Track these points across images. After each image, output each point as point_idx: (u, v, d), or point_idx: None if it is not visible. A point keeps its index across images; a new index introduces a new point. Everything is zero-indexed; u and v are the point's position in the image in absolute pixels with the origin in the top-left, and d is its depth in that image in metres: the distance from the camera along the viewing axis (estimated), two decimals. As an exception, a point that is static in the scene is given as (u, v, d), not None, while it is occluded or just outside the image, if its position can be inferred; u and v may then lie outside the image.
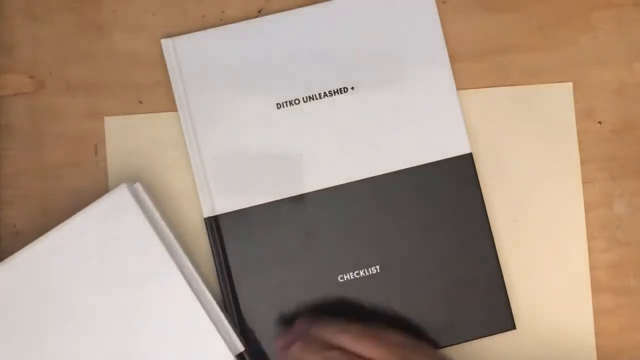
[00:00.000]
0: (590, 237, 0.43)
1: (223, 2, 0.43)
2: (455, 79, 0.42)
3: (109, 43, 0.43)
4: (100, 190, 0.42)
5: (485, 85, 0.43)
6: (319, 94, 0.41)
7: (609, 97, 0.43)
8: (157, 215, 0.39)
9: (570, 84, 0.43)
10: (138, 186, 0.39)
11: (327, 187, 0.41)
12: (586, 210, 0.43)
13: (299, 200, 0.41)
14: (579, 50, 0.43)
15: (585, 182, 0.43)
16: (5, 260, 0.38)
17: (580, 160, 0.43)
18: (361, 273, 0.41)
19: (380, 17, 0.42)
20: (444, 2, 0.43)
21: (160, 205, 0.41)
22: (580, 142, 0.43)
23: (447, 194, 0.41)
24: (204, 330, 0.38)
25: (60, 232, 0.38)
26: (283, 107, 0.41)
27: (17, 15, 0.43)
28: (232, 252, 0.40)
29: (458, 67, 0.43)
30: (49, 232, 0.38)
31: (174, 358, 0.38)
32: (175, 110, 0.42)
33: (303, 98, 0.41)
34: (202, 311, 0.38)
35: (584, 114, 0.43)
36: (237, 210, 0.41)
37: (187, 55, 0.41)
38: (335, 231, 0.41)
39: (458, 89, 0.42)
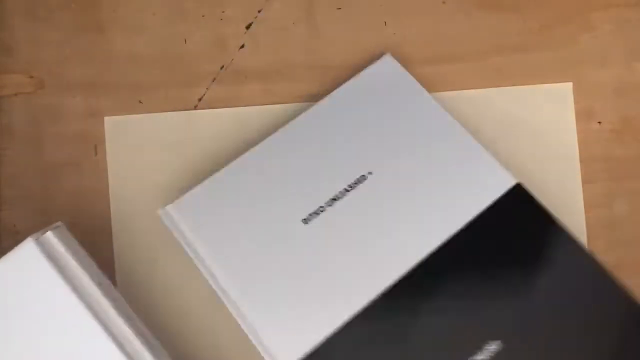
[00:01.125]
0: (590, 237, 0.43)
1: (223, 2, 0.43)
2: (455, 79, 0.42)
3: (109, 43, 0.43)
4: (100, 190, 0.42)
5: (484, 85, 0.43)
6: (340, 192, 0.38)
7: (609, 97, 0.43)
8: (75, 263, 0.35)
9: (570, 84, 0.43)
10: (49, 235, 0.35)
11: (392, 283, 0.36)
12: (586, 211, 0.43)
13: (370, 312, 0.36)
14: (579, 50, 0.43)
15: (585, 182, 0.43)
16: None
17: (580, 160, 0.43)
18: (485, 355, 0.35)
19: (367, 95, 0.40)
20: (444, 2, 0.43)
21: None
22: (580, 142, 0.43)
23: (515, 231, 0.37)
24: None
25: None
26: (310, 220, 0.38)
27: (17, 15, 0.43)
28: None
29: (458, 68, 0.43)
30: None
31: None
32: (175, 110, 0.42)
33: (326, 202, 0.38)
34: None
35: (584, 114, 0.43)
36: (309, 354, 0.35)
37: (191, 216, 0.38)
38: (429, 324, 0.36)
39: (458, 89, 0.42)
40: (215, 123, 0.42)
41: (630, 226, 0.43)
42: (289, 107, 0.42)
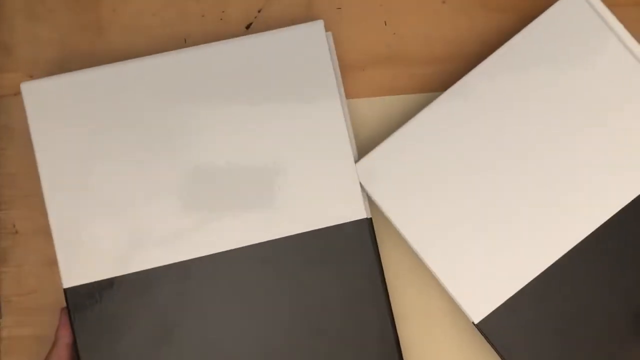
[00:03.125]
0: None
1: (223, 2, 0.43)
2: (454, 78, 0.42)
3: (109, 43, 0.43)
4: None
5: (485, 85, 0.43)
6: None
7: (609, 97, 0.43)
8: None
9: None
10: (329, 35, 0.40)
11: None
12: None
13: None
14: (579, 50, 0.43)
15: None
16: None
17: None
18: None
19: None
20: (444, 2, 0.43)
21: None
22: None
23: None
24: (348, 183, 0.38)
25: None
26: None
27: (17, 15, 0.43)
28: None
29: (457, 67, 0.43)
30: None
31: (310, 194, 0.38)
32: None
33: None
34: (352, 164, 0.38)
35: (584, 114, 0.43)
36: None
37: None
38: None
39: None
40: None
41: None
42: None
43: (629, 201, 0.37)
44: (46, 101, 0.38)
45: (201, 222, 0.38)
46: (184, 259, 0.37)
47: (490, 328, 0.37)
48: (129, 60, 0.38)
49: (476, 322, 0.37)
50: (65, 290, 0.37)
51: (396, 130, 0.38)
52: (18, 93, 0.42)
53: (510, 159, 0.38)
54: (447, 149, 0.38)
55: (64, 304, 0.39)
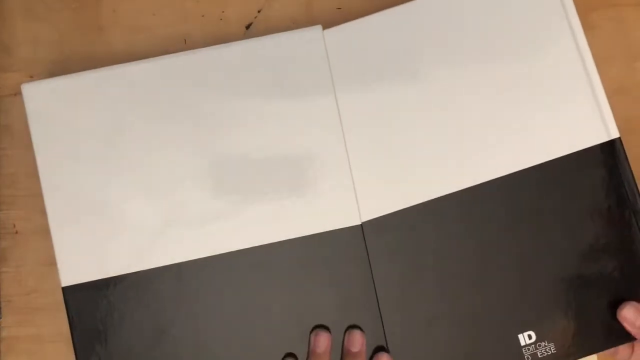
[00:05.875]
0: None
1: (223, 2, 0.43)
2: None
3: (109, 43, 0.43)
4: (100, 190, 0.42)
5: (485, 85, 0.43)
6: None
7: (609, 97, 0.43)
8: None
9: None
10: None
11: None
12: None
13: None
14: (579, 50, 0.43)
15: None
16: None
17: (581, 160, 0.43)
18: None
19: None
20: (444, 2, 0.43)
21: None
22: (580, 142, 0.43)
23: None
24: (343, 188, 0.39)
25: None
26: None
27: (17, 15, 0.43)
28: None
29: (458, 67, 0.43)
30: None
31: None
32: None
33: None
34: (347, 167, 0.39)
35: (584, 114, 0.43)
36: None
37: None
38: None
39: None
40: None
41: None
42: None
43: (517, 170, 0.38)
44: (46, 103, 0.38)
45: (198, 225, 0.38)
46: (180, 261, 0.38)
47: (367, 233, 0.38)
48: (127, 63, 0.38)
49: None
50: (64, 289, 0.37)
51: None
52: (18, 93, 0.42)
53: (429, 92, 0.39)
54: (388, 54, 0.39)
55: (63, 303, 0.39)
